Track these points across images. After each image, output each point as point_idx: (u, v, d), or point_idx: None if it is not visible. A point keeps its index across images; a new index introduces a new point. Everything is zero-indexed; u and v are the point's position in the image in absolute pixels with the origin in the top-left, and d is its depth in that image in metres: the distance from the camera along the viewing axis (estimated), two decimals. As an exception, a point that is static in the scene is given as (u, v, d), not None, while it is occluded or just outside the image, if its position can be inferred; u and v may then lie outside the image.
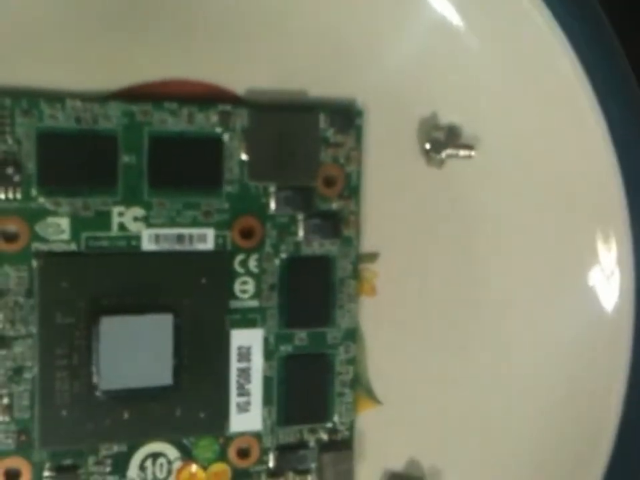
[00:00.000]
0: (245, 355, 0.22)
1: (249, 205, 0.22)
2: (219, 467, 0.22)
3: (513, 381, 0.25)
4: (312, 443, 0.23)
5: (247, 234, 0.22)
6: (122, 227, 0.21)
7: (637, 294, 0.24)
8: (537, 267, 0.24)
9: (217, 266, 0.22)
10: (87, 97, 0.20)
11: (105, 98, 0.21)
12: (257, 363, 0.22)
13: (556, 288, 0.24)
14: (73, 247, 0.20)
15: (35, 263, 0.20)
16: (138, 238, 0.21)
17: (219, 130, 0.21)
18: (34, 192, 0.20)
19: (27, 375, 0.20)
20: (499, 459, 0.25)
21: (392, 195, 0.24)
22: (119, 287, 0.21)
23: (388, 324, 0.24)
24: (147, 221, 0.21)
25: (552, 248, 0.24)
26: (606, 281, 0.24)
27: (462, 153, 0.24)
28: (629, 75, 0.24)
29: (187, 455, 0.22)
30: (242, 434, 0.22)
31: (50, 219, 0.20)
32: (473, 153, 0.24)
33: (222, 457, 0.22)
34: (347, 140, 0.23)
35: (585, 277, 0.24)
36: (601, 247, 0.24)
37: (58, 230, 0.20)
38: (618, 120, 0.24)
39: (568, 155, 0.24)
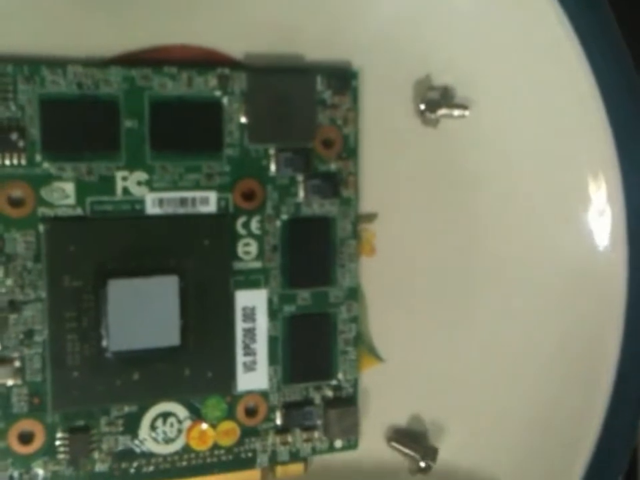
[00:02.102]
0: (249, 315, 0.22)
1: (250, 167, 0.22)
2: (228, 425, 0.23)
3: (513, 334, 0.25)
4: (317, 400, 0.23)
5: (248, 196, 0.22)
6: (126, 191, 0.21)
7: (629, 231, 0.25)
8: (531, 214, 0.25)
9: (220, 228, 0.22)
10: (88, 63, 0.21)
11: (105, 63, 0.21)
12: (262, 322, 0.23)
13: (551, 233, 0.25)
14: (78, 211, 0.21)
15: (41, 228, 0.20)
16: (142, 202, 0.21)
17: (218, 94, 0.22)
18: (38, 157, 0.20)
19: (38, 339, 0.21)
20: (500, 412, 0.26)
21: (388, 155, 0.24)
22: (124, 250, 0.21)
23: (388, 283, 0.24)
24: (150, 185, 0.21)
25: (544, 194, 0.25)
26: (598, 220, 0.25)
27: (456, 112, 0.24)
28: (613, 27, 0.24)
29: (196, 414, 0.22)
30: (249, 392, 0.23)
31: (55, 184, 0.20)
32: (467, 113, 0.24)
33: (230, 415, 0.23)
34: (344, 101, 0.23)
35: (578, 218, 0.25)
36: (591, 187, 0.25)
37: (63, 195, 0.21)
38: (604, 68, 0.24)
39: (558, 105, 0.24)
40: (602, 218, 0.25)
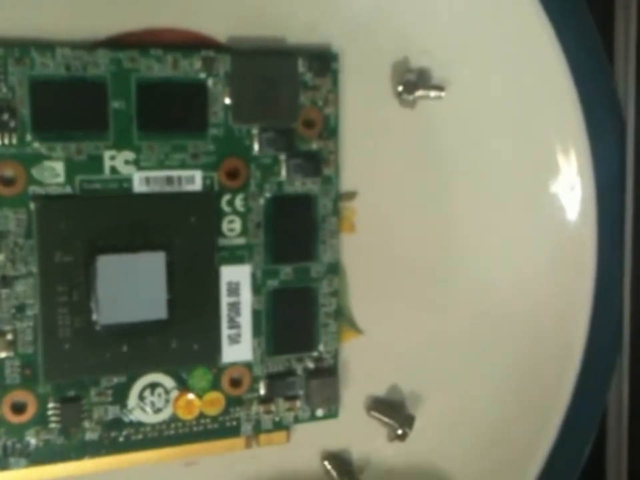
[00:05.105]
0: (234, 289, 0.23)
1: (234, 146, 0.23)
2: (213, 395, 0.23)
3: (488, 306, 0.26)
4: (299, 371, 0.24)
5: (232, 175, 0.23)
6: (114, 170, 0.22)
7: (598, 205, 0.26)
8: (505, 190, 0.26)
9: (205, 206, 0.23)
10: (76, 46, 0.21)
11: (92, 46, 0.21)
12: (246, 297, 0.23)
13: (523, 208, 0.26)
14: (68, 189, 0.21)
15: (32, 206, 0.21)
16: (129, 180, 0.22)
17: (202, 75, 0.22)
18: (29, 137, 0.21)
19: (29, 312, 0.21)
20: (475, 382, 0.27)
21: (368, 135, 0.25)
22: (113, 227, 0.22)
23: (367, 258, 0.25)
24: (138, 164, 0.22)
25: (517, 170, 0.26)
26: (569, 195, 0.26)
27: (432, 94, 0.25)
28: (582, 6, 0.25)
29: (183, 385, 0.23)
30: (233, 364, 0.24)
31: (45, 163, 0.21)
32: (442, 94, 0.25)
33: (215, 385, 0.23)
34: (324, 83, 0.24)
35: (549, 193, 0.26)
36: (562, 162, 0.26)
37: (53, 173, 0.21)
38: (573, 46, 0.25)
39: (529, 83, 0.25)
40: (572, 192, 0.26)
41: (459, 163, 0.26)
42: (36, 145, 0.21)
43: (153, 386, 0.23)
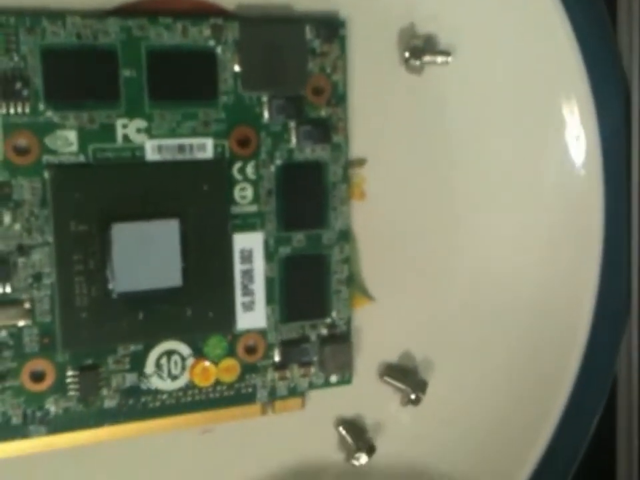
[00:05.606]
0: (247, 257, 0.23)
1: (244, 114, 0.23)
2: (229, 362, 0.24)
3: (499, 270, 0.26)
4: (313, 338, 0.24)
5: (243, 142, 0.23)
6: (126, 138, 0.22)
7: (604, 155, 0.26)
8: (511, 147, 0.26)
9: (218, 173, 0.23)
10: (86, 14, 0.21)
11: (103, 15, 0.22)
12: (259, 264, 0.24)
13: (530, 162, 0.26)
14: (81, 158, 0.22)
15: (47, 175, 0.21)
16: (142, 149, 0.22)
17: (212, 43, 0.22)
18: (42, 106, 0.21)
19: (46, 281, 0.21)
20: (485, 347, 0.27)
21: (376, 101, 0.25)
22: (127, 196, 0.22)
23: (378, 225, 0.25)
24: (150, 132, 0.22)
25: (522, 125, 0.26)
26: (575, 144, 0.26)
27: (439, 59, 0.25)
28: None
29: (199, 352, 0.23)
30: (248, 331, 0.24)
31: (58, 132, 0.21)
32: (449, 59, 0.25)
33: (231, 353, 0.24)
34: (332, 50, 0.24)
35: (555, 146, 0.26)
36: (566, 114, 0.26)
37: (66, 142, 0.21)
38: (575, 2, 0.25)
39: (532, 43, 0.25)
40: (577, 143, 0.26)
41: (466, 126, 0.26)
42: (49, 113, 0.21)
43: (169, 353, 0.23)
